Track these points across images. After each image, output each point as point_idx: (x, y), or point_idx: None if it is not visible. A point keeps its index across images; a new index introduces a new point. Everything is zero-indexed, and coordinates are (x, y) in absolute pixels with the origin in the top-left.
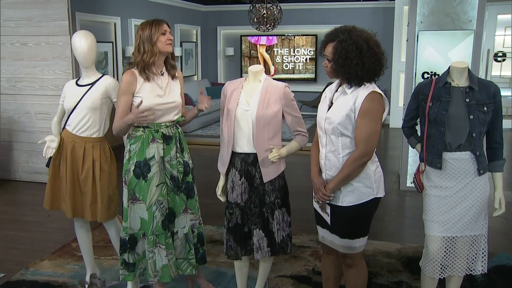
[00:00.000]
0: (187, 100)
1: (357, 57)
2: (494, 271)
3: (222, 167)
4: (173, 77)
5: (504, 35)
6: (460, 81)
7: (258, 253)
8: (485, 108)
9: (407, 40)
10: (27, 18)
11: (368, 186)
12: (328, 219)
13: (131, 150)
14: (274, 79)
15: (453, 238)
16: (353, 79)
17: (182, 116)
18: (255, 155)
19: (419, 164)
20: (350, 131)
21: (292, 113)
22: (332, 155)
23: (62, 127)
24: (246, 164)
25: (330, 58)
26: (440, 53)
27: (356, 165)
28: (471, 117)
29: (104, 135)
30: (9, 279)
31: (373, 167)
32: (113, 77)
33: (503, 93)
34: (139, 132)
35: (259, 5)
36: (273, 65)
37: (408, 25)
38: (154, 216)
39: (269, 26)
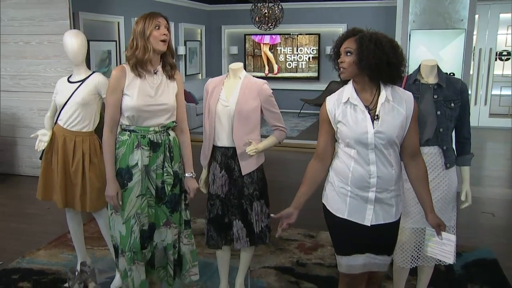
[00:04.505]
0: (189, 98)
1: (388, 44)
2: (473, 264)
3: (204, 160)
4: (170, 76)
5: (507, 34)
6: (429, 78)
7: (237, 243)
8: (452, 105)
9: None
10: (30, 18)
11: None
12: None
13: (116, 155)
14: (277, 77)
15: (422, 229)
16: (379, 70)
17: (173, 122)
18: (234, 148)
19: None
20: (400, 140)
21: (270, 109)
22: (384, 170)
23: (54, 121)
24: (226, 158)
25: (353, 49)
26: (432, 51)
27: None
28: (438, 113)
29: (94, 130)
30: (5, 267)
31: None
32: None
33: (507, 92)
34: (125, 137)
35: (261, 4)
36: (276, 63)
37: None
38: (132, 231)
39: (271, 25)
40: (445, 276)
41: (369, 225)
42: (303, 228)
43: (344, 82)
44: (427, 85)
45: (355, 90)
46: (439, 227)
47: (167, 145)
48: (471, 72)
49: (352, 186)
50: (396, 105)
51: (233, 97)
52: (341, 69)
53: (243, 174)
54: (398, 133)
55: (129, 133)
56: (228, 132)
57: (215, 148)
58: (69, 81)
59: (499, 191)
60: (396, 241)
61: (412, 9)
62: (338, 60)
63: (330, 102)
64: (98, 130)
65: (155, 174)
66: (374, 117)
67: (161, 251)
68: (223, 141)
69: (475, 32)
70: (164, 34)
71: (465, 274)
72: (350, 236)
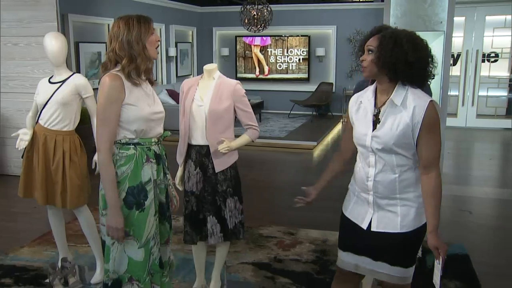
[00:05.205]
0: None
1: (409, 42)
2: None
3: (180, 158)
4: (152, 82)
5: (493, 36)
6: None
7: (211, 238)
8: None
9: None
10: (18, 20)
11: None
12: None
13: (120, 174)
14: (268, 79)
15: None
16: (396, 69)
17: (169, 131)
18: (208, 147)
19: None
20: (405, 148)
21: (243, 109)
22: (383, 174)
23: (35, 121)
24: (200, 156)
25: (373, 48)
26: None
27: (441, 188)
28: None
29: (75, 129)
30: None
31: None
32: None
33: (494, 93)
34: (130, 151)
35: (250, 6)
36: (267, 65)
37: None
38: (151, 253)
39: (260, 27)
40: (416, 270)
41: (365, 228)
42: (284, 225)
43: (373, 81)
44: None
45: (375, 91)
46: (437, 250)
47: (165, 157)
48: (458, 74)
49: (358, 186)
50: (403, 110)
51: (207, 97)
52: (363, 67)
53: (216, 171)
54: (396, 141)
55: (133, 146)
56: (202, 131)
57: (190, 146)
58: (50, 82)
59: (481, 190)
60: (408, 254)
61: (393, 11)
62: (360, 58)
63: (353, 99)
64: (79, 129)
65: (159, 189)
66: (377, 120)
67: None
68: (198, 140)
69: (461, 34)
70: (158, 40)
71: None
72: (348, 233)
